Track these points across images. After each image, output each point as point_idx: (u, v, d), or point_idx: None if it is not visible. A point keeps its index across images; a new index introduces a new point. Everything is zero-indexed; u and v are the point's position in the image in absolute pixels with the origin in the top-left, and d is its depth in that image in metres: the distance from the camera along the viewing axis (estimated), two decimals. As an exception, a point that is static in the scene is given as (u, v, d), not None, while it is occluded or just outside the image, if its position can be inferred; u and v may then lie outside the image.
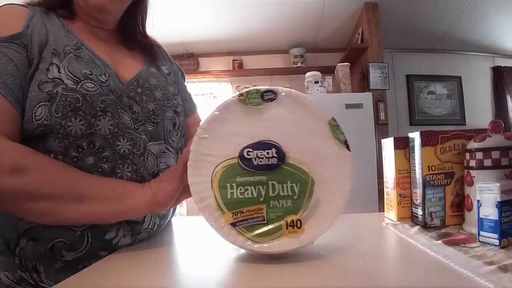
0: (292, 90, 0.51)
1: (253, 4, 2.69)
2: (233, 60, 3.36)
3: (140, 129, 0.61)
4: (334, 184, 0.48)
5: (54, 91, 0.52)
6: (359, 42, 2.86)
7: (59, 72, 0.54)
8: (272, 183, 0.47)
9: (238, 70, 3.33)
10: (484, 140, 0.55)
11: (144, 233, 0.61)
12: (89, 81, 0.55)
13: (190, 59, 3.39)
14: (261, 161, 0.48)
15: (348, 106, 2.45)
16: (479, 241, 0.48)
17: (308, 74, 2.74)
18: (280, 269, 0.43)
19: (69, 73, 0.54)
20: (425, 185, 0.61)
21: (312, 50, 3.38)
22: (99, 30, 0.67)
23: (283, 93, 0.50)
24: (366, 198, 2.28)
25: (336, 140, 0.49)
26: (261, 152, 0.48)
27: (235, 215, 0.47)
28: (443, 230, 0.58)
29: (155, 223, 0.63)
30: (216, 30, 3.04)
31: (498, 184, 0.47)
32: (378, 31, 2.77)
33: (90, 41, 0.62)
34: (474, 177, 0.56)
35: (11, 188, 0.46)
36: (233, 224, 0.46)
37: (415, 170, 0.64)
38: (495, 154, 0.53)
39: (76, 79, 0.54)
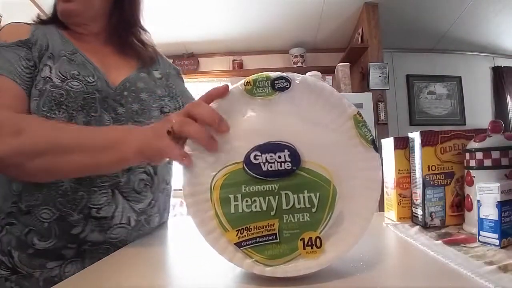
0: (308, 77, 0.42)
1: (253, 4, 2.69)
2: (233, 60, 3.37)
3: None
4: (360, 193, 0.40)
5: (44, 88, 0.59)
6: (359, 42, 2.86)
7: (50, 72, 0.61)
8: (285, 193, 0.39)
9: (238, 70, 3.33)
10: (484, 140, 0.55)
11: (118, 229, 0.61)
12: (75, 80, 0.61)
13: (190, 59, 3.38)
14: (271, 167, 0.39)
15: (348, 106, 2.44)
16: (479, 241, 0.48)
17: (308, 74, 2.74)
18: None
19: (59, 73, 0.61)
20: (425, 185, 0.61)
21: (312, 50, 3.38)
22: (88, 36, 0.70)
23: (297, 81, 0.42)
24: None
25: (361, 139, 0.41)
26: (271, 156, 0.39)
27: (241, 233, 0.38)
28: (443, 230, 0.58)
29: (129, 217, 0.63)
30: (216, 30, 3.04)
31: (498, 184, 0.46)
32: (378, 31, 2.77)
33: (84, 48, 0.68)
34: (474, 177, 0.56)
35: (14, 148, 0.50)
36: (238, 244, 0.38)
37: (415, 170, 0.64)
38: (495, 154, 0.53)
39: (64, 77, 0.61)
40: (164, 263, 0.50)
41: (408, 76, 3.46)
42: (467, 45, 3.41)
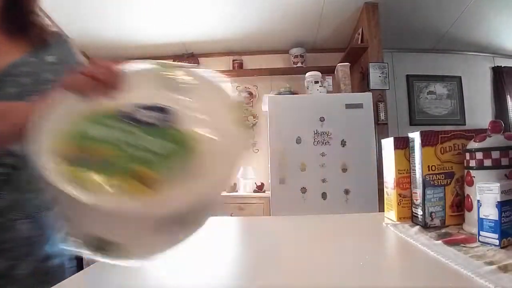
0: (208, 70, 0.47)
1: (253, 4, 2.70)
2: (233, 60, 3.37)
3: None
4: (217, 166, 0.38)
5: None
6: (359, 42, 2.86)
7: None
8: (139, 134, 0.37)
9: (238, 70, 3.33)
10: (484, 140, 0.55)
11: None
12: None
13: (190, 59, 3.38)
14: (145, 119, 0.39)
15: (348, 106, 2.45)
16: (479, 241, 0.48)
17: (308, 74, 2.74)
18: (276, 268, 0.43)
19: None
20: (425, 185, 0.61)
21: (312, 50, 3.38)
22: None
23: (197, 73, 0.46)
24: (366, 198, 2.29)
25: (236, 120, 0.43)
26: (150, 112, 0.40)
27: (70, 146, 0.36)
28: (443, 230, 0.58)
29: None
30: (216, 30, 3.04)
31: (498, 184, 0.46)
32: (378, 31, 2.77)
33: None
34: (474, 177, 0.56)
35: None
36: (66, 160, 0.35)
37: (415, 170, 0.64)
38: (495, 154, 0.53)
39: None
40: (163, 264, 0.50)
41: (408, 76, 3.46)
42: (467, 45, 3.41)
